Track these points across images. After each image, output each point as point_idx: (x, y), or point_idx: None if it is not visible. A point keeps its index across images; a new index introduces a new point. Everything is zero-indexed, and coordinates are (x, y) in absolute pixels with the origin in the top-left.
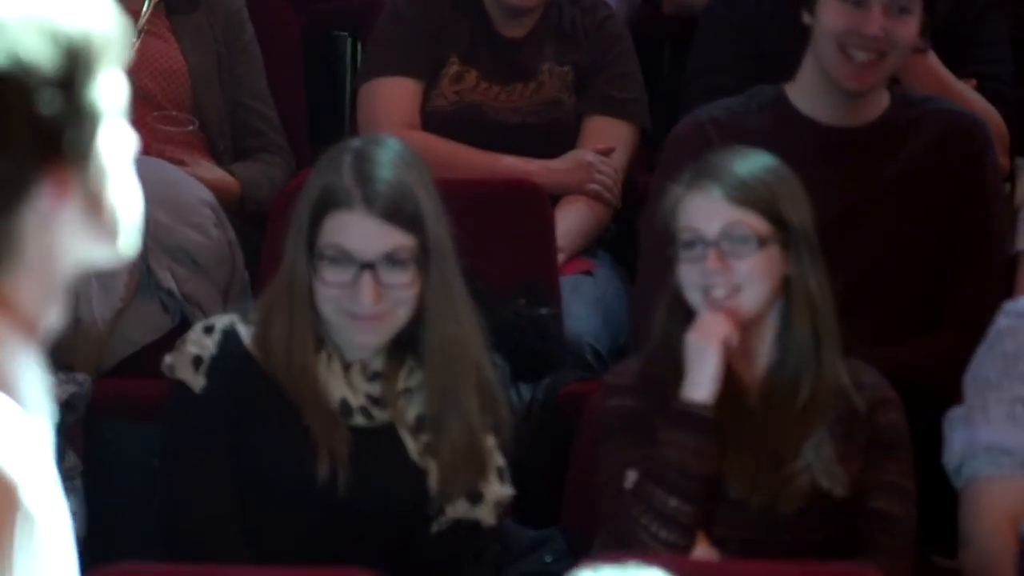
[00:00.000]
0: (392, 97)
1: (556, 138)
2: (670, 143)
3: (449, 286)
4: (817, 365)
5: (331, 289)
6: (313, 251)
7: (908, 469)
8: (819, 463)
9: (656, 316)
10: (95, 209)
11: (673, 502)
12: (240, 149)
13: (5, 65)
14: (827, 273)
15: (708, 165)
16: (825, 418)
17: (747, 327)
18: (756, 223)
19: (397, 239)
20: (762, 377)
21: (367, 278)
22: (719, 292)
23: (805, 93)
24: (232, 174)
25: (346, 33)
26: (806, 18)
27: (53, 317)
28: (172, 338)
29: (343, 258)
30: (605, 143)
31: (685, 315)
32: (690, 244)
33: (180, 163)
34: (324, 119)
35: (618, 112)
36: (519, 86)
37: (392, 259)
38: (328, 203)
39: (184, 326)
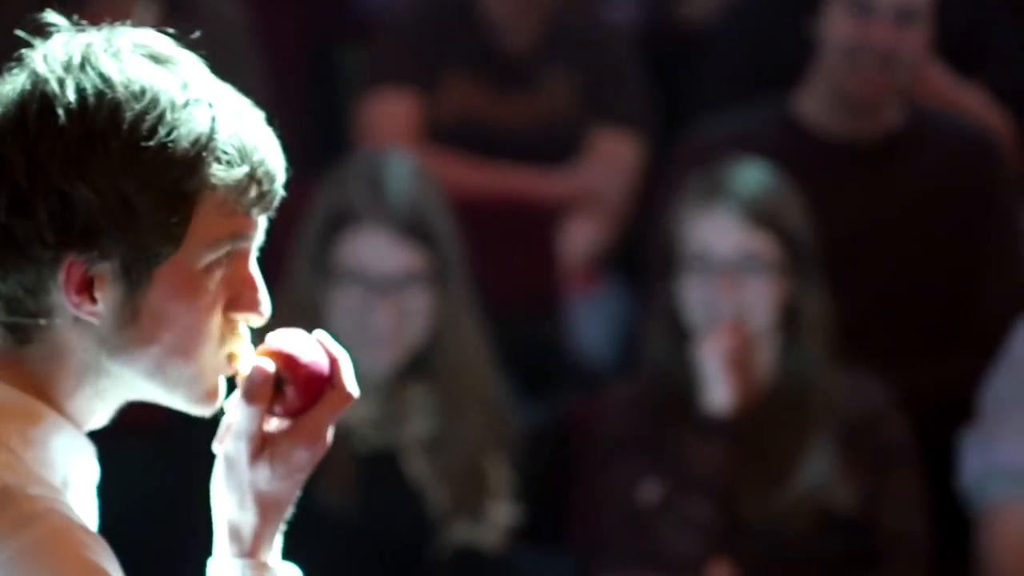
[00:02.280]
0: (394, 108)
1: (560, 149)
2: (675, 160)
3: (461, 304)
4: (821, 380)
5: (345, 308)
6: (324, 269)
7: (918, 482)
8: (822, 474)
9: (651, 335)
10: (136, 328)
11: (704, 509)
12: None
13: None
14: (838, 289)
15: (717, 182)
16: (827, 431)
17: (752, 343)
18: (769, 245)
19: (413, 256)
20: (766, 392)
21: (384, 297)
22: (727, 313)
23: (812, 104)
24: None
25: (347, 44)
26: (813, 28)
27: (104, 414)
28: None
29: (359, 276)
30: (612, 155)
31: (681, 334)
32: (700, 264)
33: None
34: (325, 131)
35: (625, 123)
36: (522, 97)
37: (409, 277)
38: (341, 221)
39: None
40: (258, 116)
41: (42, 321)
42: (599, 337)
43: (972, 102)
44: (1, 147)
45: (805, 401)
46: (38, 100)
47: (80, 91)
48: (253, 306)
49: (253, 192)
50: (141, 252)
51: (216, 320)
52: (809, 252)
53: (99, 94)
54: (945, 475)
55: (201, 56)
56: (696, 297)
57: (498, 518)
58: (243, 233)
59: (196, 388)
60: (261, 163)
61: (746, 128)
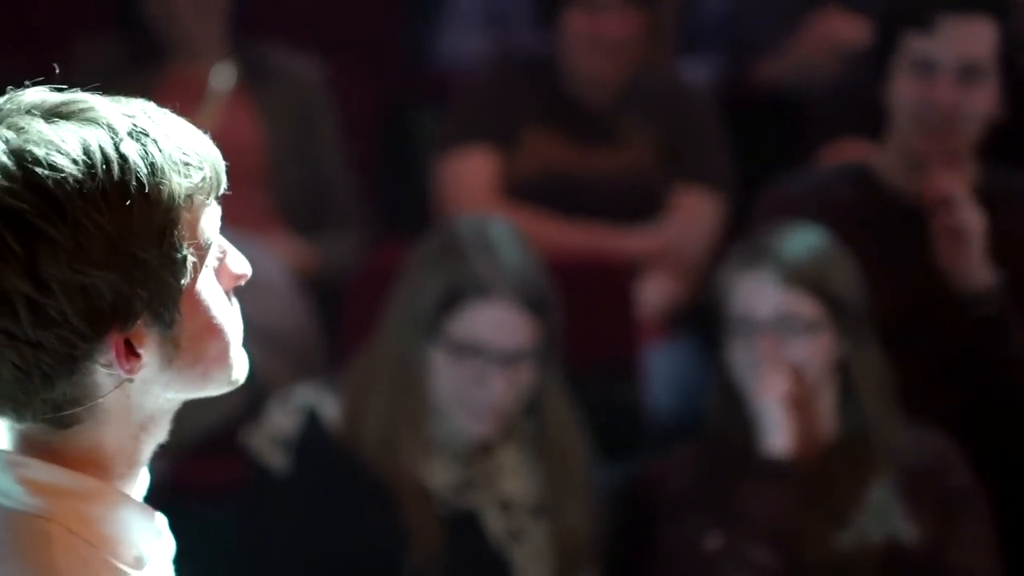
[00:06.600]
0: (475, 166)
1: (640, 204)
2: (755, 214)
3: (555, 370)
4: (881, 432)
5: (458, 378)
6: (434, 337)
7: (986, 527)
8: (886, 517)
9: (710, 394)
10: (181, 356)
11: (765, 552)
12: (315, 222)
13: (58, 238)
14: (908, 347)
15: (758, 246)
16: (890, 477)
17: (806, 401)
18: (808, 306)
19: (529, 331)
20: (827, 443)
21: (502, 370)
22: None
23: (888, 164)
24: (307, 247)
25: (422, 106)
26: (884, 95)
27: (151, 450)
28: (244, 419)
29: (479, 349)
30: (692, 213)
31: (736, 392)
32: (741, 326)
33: (254, 234)
34: (401, 192)
35: (706, 182)
36: (603, 151)
37: (525, 352)
38: (460, 293)
39: (256, 405)
40: (169, 115)
41: (90, 403)
42: (669, 393)
43: None
44: None
45: (866, 450)
46: (7, 224)
47: (36, 190)
48: (242, 269)
49: (212, 184)
50: (166, 295)
51: (226, 300)
52: (856, 311)
53: (57, 183)
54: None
55: (281, 116)
56: (742, 360)
57: None
58: (217, 222)
59: (235, 369)
60: (205, 157)
61: (823, 184)
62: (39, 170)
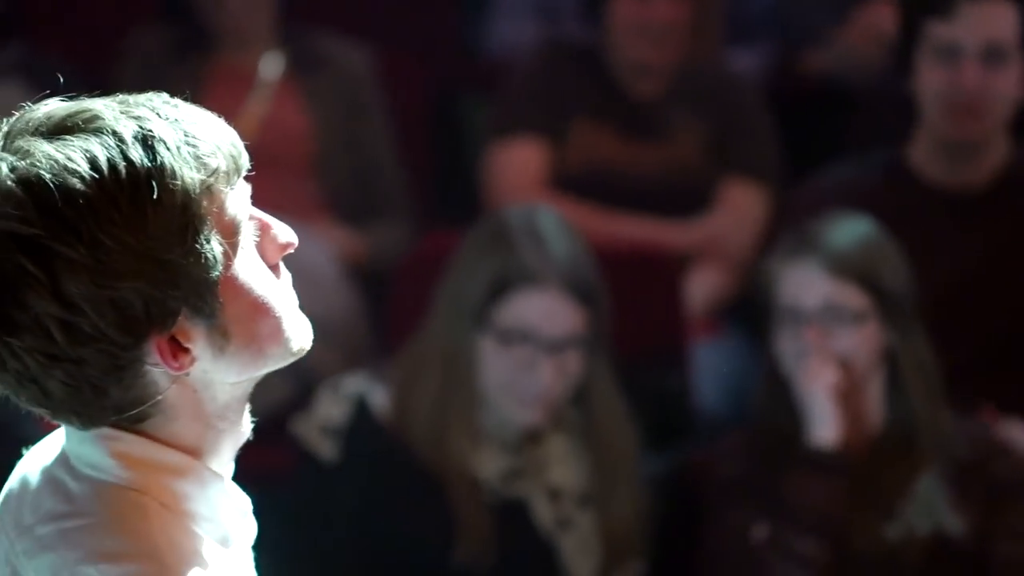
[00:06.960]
0: (523, 157)
1: (687, 197)
2: (788, 210)
3: (604, 360)
4: (928, 422)
5: (507, 366)
6: (483, 325)
7: None
8: (933, 507)
9: (760, 383)
10: (232, 342)
11: (811, 544)
12: (363, 209)
13: (85, 261)
14: (949, 336)
15: (805, 236)
16: (937, 468)
17: (854, 391)
18: (855, 296)
19: (579, 318)
20: (874, 434)
21: (550, 359)
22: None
23: (920, 155)
24: (355, 235)
25: (472, 96)
26: (909, 84)
27: (234, 443)
28: (294, 406)
29: (528, 336)
30: (739, 206)
31: (785, 383)
32: (789, 316)
33: (303, 224)
34: (450, 182)
35: (754, 175)
36: (650, 145)
37: (573, 338)
38: (508, 281)
39: (306, 394)
40: (184, 105)
41: (152, 401)
42: (721, 387)
43: None
44: (27, 307)
45: (913, 441)
46: (24, 251)
47: (47, 214)
48: (286, 238)
49: (232, 169)
50: (201, 289)
51: (271, 275)
52: (903, 301)
53: (67, 203)
54: None
55: (330, 104)
56: (788, 350)
57: (627, 570)
58: (247, 202)
59: (294, 340)
60: (222, 143)
61: (855, 178)
62: (47, 194)
